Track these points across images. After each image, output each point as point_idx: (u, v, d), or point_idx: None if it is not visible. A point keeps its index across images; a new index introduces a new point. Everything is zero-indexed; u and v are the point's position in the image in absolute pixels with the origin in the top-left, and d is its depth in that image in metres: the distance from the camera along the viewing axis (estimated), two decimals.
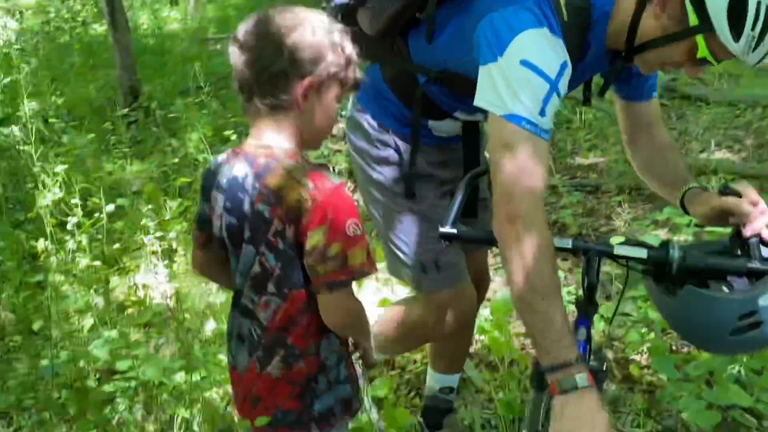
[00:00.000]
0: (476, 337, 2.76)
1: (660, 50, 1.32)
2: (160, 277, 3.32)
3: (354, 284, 1.34)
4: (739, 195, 1.36)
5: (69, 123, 5.45)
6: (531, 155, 1.25)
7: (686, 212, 1.51)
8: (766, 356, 2.20)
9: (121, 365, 2.21)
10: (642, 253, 1.34)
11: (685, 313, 1.34)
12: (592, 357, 1.40)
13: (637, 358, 2.59)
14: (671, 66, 1.35)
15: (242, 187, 1.31)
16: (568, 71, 1.29)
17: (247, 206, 1.31)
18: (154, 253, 3.46)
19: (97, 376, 2.56)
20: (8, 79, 6.48)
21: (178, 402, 2.28)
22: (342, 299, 1.32)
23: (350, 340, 1.48)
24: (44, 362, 2.37)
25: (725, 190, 1.40)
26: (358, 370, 1.51)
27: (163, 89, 6.28)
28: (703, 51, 1.25)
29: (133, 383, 2.44)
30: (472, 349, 2.75)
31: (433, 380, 2.22)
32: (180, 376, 2.30)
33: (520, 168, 1.25)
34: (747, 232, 1.33)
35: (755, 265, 1.29)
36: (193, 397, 2.30)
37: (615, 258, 1.38)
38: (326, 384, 1.39)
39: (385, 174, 1.78)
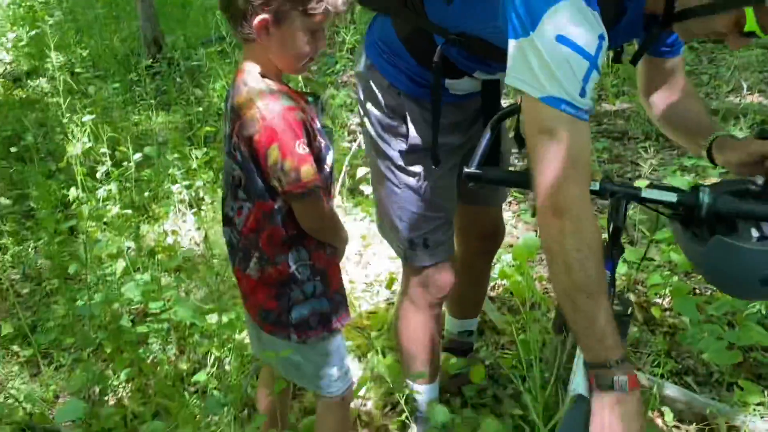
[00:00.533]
0: (498, 281, 2.80)
1: (703, 19, 1.21)
2: (188, 224, 3.40)
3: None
4: None
5: (94, 74, 5.49)
6: (574, 141, 1.15)
7: (712, 161, 1.45)
8: None
9: (154, 307, 2.29)
10: (671, 197, 1.33)
11: (714, 261, 1.29)
12: (616, 301, 1.38)
13: (659, 300, 2.60)
14: (714, 35, 1.24)
15: (225, 107, 1.54)
16: (606, 44, 1.19)
17: (225, 123, 1.53)
18: (182, 201, 3.53)
19: (131, 317, 2.66)
20: (33, 32, 6.53)
21: (210, 342, 2.36)
22: (309, 207, 1.48)
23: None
24: (79, 303, 2.46)
25: (764, 134, 1.36)
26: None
27: (186, 40, 6.26)
28: (751, 24, 1.14)
29: (165, 324, 2.53)
30: (494, 293, 2.79)
31: (452, 325, 2.27)
32: (211, 318, 2.37)
33: (563, 156, 1.15)
34: None
35: None
36: (224, 337, 2.38)
37: (643, 201, 1.36)
38: (301, 294, 1.56)
39: (391, 144, 1.73)
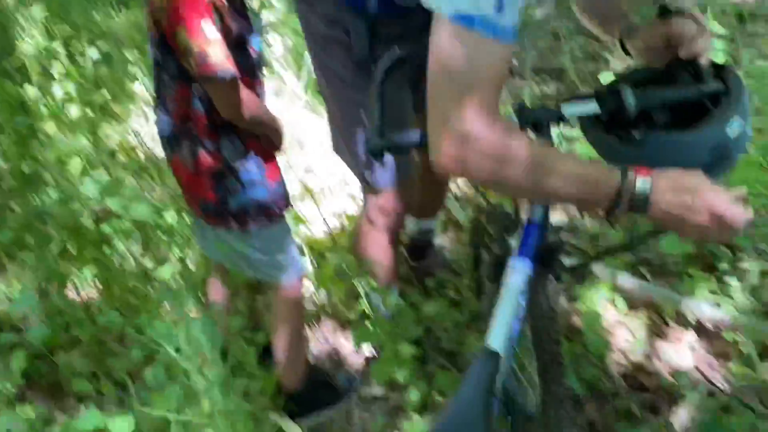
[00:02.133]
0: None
1: None
2: (151, 123, 3.31)
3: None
4: (682, 15, 1.21)
5: None
6: (485, 66, 0.98)
7: (626, 52, 1.34)
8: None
9: (112, 204, 2.27)
10: (593, 108, 1.20)
11: (652, 161, 1.15)
12: (546, 232, 1.31)
13: None
14: None
15: None
16: None
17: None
18: (144, 101, 3.43)
19: (94, 217, 2.64)
20: None
21: (171, 239, 2.36)
22: (222, 94, 1.45)
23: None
24: (35, 202, 2.43)
25: (665, 13, 1.24)
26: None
27: None
28: None
29: (128, 224, 2.52)
30: (461, 192, 2.79)
31: (413, 224, 2.28)
32: (172, 217, 2.36)
33: (466, 85, 0.97)
34: (690, 50, 1.19)
35: (712, 87, 1.19)
36: (187, 235, 2.38)
37: (566, 120, 1.23)
38: (237, 184, 1.57)
39: (333, 57, 1.59)
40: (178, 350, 1.50)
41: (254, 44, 1.55)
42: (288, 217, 1.77)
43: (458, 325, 2.09)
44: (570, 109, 1.21)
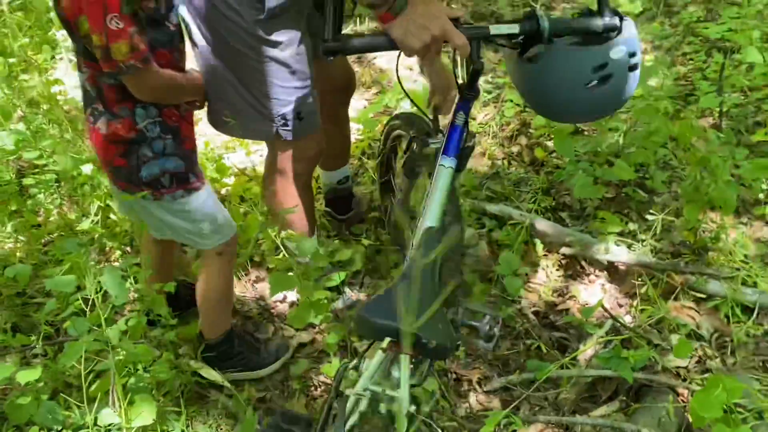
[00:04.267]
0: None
1: None
2: (74, 73, 3.20)
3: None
4: None
5: None
6: None
7: None
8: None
9: (29, 155, 2.22)
10: (514, 28, 1.42)
11: (545, 74, 1.44)
12: (466, 136, 1.52)
13: (550, 144, 2.68)
14: None
15: None
16: None
17: None
18: (68, 49, 3.31)
19: (14, 170, 2.58)
20: None
21: (92, 191, 2.33)
22: (132, 82, 1.42)
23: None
24: None
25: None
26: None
27: None
28: None
29: (50, 176, 2.47)
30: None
31: (328, 177, 2.30)
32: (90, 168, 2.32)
33: None
34: None
35: (608, 21, 1.42)
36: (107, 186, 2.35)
37: (491, 39, 1.44)
38: (150, 152, 1.53)
39: (244, 16, 1.57)
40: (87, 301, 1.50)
41: (173, 19, 1.50)
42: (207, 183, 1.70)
43: (375, 268, 2.15)
44: (495, 29, 1.42)
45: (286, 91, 1.69)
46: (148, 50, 1.40)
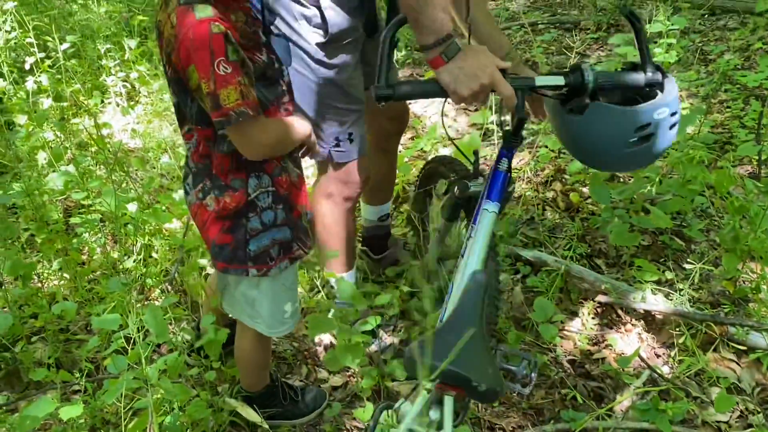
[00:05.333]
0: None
1: None
2: (124, 117, 3.34)
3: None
4: None
5: None
6: None
7: None
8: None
9: (77, 195, 2.30)
10: (559, 80, 1.46)
11: (589, 128, 1.46)
12: (508, 181, 1.56)
13: (583, 189, 2.68)
14: None
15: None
16: None
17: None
18: (117, 94, 3.46)
19: (63, 209, 2.68)
20: None
21: (137, 230, 2.40)
22: (239, 135, 1.34)
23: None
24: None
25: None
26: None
27: None
28: None
29: (96, 216, 2.56)
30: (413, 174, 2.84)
31: (369, 213, 2.33)
32: (136, 207, 2.40)
33: None
34: None
35: (651, 76, 1.46)
36: (154, 227, 2.42)
37: (537, 89, 1.48)
38: (260, 224, 1.46)
39: (306, 37, 1.67)
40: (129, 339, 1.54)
41: (284, 77, 1.48)
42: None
43: (407, 312, 2.15)
44: (541, 81, 1.45)
45: (340, 112, 1.77)
46: (257, 102, 1.33)
